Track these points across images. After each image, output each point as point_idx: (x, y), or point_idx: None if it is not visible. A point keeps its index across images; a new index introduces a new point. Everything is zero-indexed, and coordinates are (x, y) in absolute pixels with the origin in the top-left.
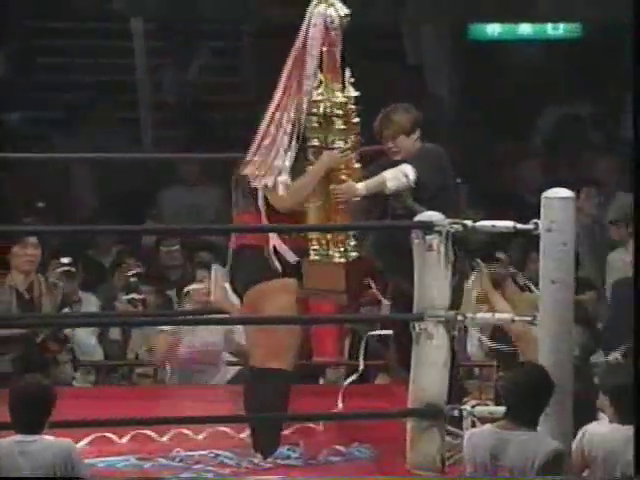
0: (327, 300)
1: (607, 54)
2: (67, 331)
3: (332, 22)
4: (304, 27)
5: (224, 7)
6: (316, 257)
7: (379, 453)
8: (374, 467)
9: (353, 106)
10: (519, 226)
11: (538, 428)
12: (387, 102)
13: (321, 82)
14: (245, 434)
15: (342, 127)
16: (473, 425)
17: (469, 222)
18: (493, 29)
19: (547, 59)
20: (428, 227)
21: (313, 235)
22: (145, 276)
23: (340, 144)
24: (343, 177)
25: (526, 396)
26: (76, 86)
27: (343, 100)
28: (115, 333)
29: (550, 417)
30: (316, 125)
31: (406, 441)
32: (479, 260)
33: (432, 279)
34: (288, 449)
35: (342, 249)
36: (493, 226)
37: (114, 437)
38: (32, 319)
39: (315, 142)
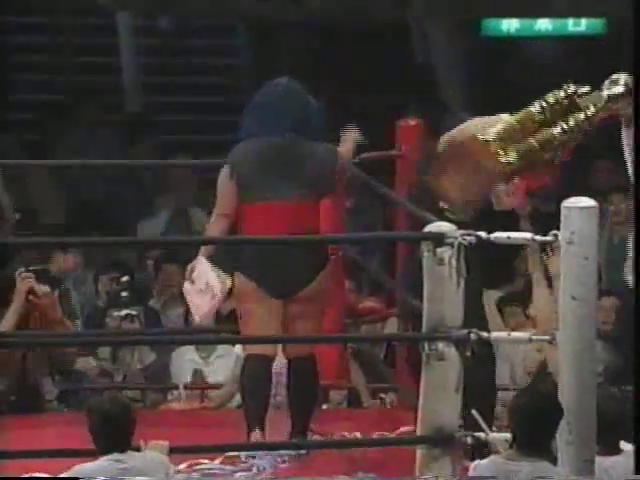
0: None
1: (632, 51)
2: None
3: None
4: None
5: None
6: None
7: None
8: None
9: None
10: (537, 238)
11: (558, 457)
12: (394, 102)
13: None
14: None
15: (578, 122)
16: (489, 453)
17: (483, 234)
18: (509, 25)
19: (568, 57)
20: (439, 239)
21: None
22: (131, 290)
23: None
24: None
25: (531, 422)
26: (57, 86)
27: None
28: (105, 352)
29: (571, 445)
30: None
31: (415, 469)
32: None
33: (443, 295)
34: None
35: None
36: (509, 237)
37: None
38: (22, 337)
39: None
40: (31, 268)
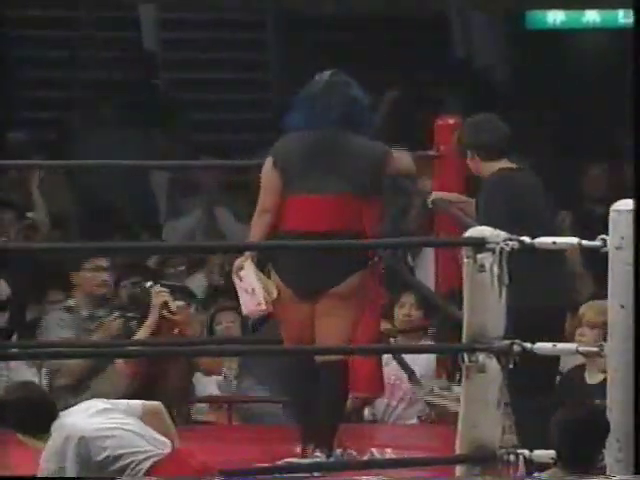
0: None
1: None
2: None
3: None
4: None
5: None
6: None
7: None
8: None
9: None
10: (584, 243)
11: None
12: (433, 99)
13: None
14: None
15: None
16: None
17: (527, 239)
18: (555, 17)
19: (617, 51)
20: (479, 244)
21: None
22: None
23: None
24: None
25: (576, 439)
26: (75, 83)
27: None
28: None
29: (621, 463)
30: None
31: None
32: None
33: (484, 304)
34: None
35: None
36: (554, 243)
37: None
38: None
39: None
40: (165, 282)
